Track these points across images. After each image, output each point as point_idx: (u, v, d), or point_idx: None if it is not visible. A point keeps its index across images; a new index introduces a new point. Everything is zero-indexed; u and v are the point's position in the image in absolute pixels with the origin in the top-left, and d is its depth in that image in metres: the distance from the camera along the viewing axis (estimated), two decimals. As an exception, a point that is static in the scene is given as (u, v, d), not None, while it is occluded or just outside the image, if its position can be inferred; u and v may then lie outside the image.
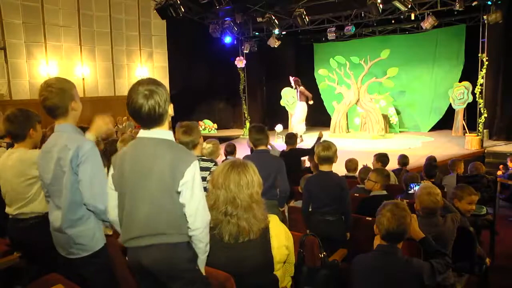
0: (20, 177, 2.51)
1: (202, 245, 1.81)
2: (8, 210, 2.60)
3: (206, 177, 2.79)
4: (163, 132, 1.80)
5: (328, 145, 3.19)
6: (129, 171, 1.77)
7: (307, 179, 3.42)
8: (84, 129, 2.31)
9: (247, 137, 3.78)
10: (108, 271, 2.23)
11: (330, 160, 3.20)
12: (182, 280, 1.77)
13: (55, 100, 2.07)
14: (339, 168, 3.32)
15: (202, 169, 2.81)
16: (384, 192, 3.73)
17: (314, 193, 3.22)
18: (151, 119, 1.75)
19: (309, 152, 5.37)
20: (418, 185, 3.84)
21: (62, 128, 2.13)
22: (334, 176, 3.26)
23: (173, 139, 1.85)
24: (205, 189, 1.94)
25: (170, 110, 1.82)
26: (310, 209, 3.33)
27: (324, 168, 3.23)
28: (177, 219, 1.76)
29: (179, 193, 1.73)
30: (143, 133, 1.82)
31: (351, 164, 5.24)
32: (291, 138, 5.52)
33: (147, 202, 1.74)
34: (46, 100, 2.06)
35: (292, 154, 5.29)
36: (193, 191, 1.74)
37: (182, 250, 1.77)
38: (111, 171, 1.84)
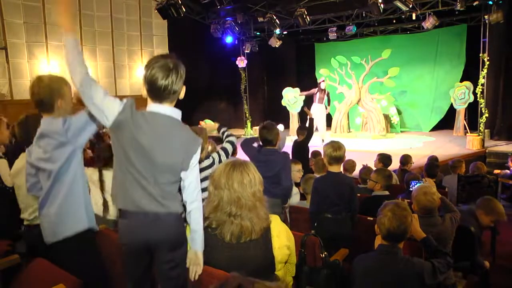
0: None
1: (201, 219, 1.93)
2: (23, 215, 2.61)
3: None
4: (176, 112, 1.90)
5: (339, 146, 3.22)
6: (147, 142, 1.82)
7: (316, 180, 3.41)
8: None
9: (248, 136, 3.81)
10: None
11: (341, 160, 3.25)
12: (182, 249, 1.93)
13: (42, 95, 2.13)
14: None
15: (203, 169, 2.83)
16: (386, 193, 3.73)
17: (325, 193, 3.23)
18: (165, 93, 1.82)
19: (309, 135, 5.74)
20: (420, 182, 3.85)
21: (42, 122, 2.21)
22: (344, 177, 3.35)
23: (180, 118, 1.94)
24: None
25: (182, 93, 1.90)
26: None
27: (333, 168, 3.25)
28: (177, 190, 1.94)
29: (185, 170, 1.91)
30: (156, 107, 1.86)
31: (348, 163, 5.25)
32: (303, 129, 5.91)
33: (159, 172, 1.85)
34: (33, 95, 2.13)
35: (302, 146, 5.68)
36: (194, 169, 1.94)
37: (182, 220, 1.96)
38: (120, 108, 1.80)
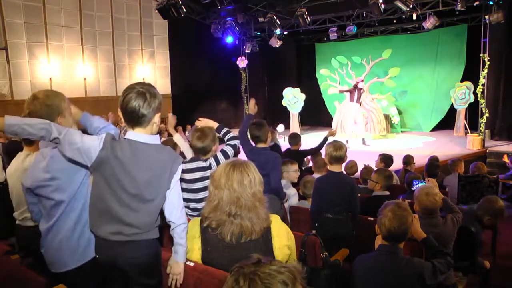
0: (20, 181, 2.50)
1: (184, 234, 1.95)
2: (15, 214, 2.60)
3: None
4: (151, 138, 1.92)
5: (340, 145, 3.21)
6: (124, 172, 1.85)
7: (317, 180, 3.40)
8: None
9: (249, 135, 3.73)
10: None
11: (342, 160, 3.23)
12: (152, 278, 1.97)
13: (40, 114, 1.99)
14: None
15: (200, 169, 2.80)
16: (387, 193, 3.72)
17: (325, 193, 3.22)
18: (133, 117, 1.85)
19: (313, 152, 5.38)
20: (422, 182, 3.85)
21: (40, 145, 2.12)
22: (345, 177, 3.32)
23: (159, 142, 1.97)
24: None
25: (157, 119, 1.91)
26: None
27: (334, 168, 3.24)
28: (157, 216, 1.95)
29: (168, 190, 1.93)
30: (131, 134, 1.89)
31: (348, 166, 5.18)
32: (294, 138, 5.50)
33: (140, 200, 1.88)
34: (30, 114, 1.99)
35: (298, 155, 5.27)
36: (176, 187, 1.96)
37: (157, 245, 1.99)
38: (100, 146, 1.82)
